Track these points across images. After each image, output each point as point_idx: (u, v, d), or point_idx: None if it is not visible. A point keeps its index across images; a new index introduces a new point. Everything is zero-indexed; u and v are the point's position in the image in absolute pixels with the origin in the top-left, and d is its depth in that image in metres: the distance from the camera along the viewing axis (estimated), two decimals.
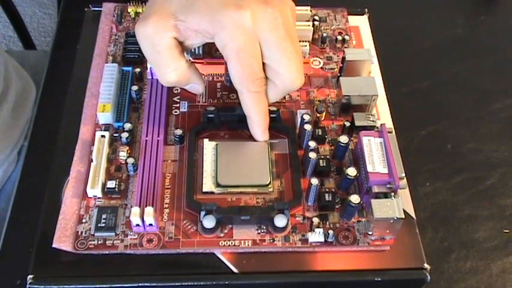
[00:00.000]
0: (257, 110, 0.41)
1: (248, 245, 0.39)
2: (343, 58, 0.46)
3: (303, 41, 0.49)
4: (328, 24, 0.53)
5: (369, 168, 0.39)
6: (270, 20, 0.38)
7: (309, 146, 0.41)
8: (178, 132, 0.43)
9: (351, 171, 0.40)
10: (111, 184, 0.40)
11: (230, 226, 0.39)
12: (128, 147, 0.42)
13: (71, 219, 0.39)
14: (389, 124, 0.45)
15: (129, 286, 0.37)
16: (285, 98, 0.46)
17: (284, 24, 0.38)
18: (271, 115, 0.44)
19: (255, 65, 0.38)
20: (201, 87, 0.42)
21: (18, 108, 0.59)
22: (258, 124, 0.42)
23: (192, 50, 0.47)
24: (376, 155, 0.40)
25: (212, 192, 0.40)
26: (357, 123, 0.43)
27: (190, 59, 0.48)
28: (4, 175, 0.59)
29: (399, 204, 0.38)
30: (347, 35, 0.51)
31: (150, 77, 0.47)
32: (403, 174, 0.39)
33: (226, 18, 0.37)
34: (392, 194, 0.39)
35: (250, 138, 0.43)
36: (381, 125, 0.41)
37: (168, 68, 0.39)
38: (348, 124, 0.44)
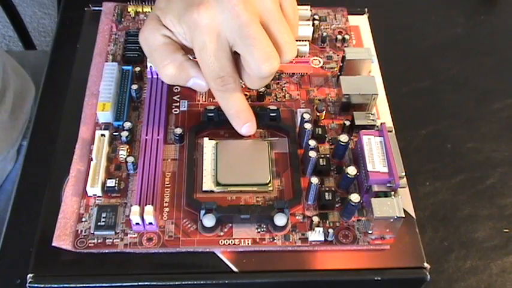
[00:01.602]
0: (226, 107, 0.41)
1: (248, 243, 0.38)
2: (343, 57, 0.46)
3: (303, 40, 0.49)
4: (328, 24, 0.53)
5: (369, 167, 0.39)
6: (229, 9, 0.37)
7: (309, 145, 0.41)
8: (178, 131, 0.43)
9: (351, 170, 0.40)
10: (111, 183, 0.40)
11: (230, 225, 0.39)
12: (127, 146, 0.42)
13: (70, 218, 0.39)
14: (389, 124, 0.44)
15: (129, 285, 0.37)
16: (284, 97, 0.47)
17: (247, 10, 0.37)
18: (271, 114, 0.44)
19: (214, 64, 0.38)
20: (204, 82, 0.41)
21: (16, 108, 0.59)
22: (232, 120, 0.41)
23: None
24: (376, 154, 0.40)
25: (212, 191, 0.40)
26: (357, 122, 0.43)
27: None
28: (2, 173, 0.59)
29: (399, 203, 0.38)
30: (347, 34, 0.51)
31: (150, 76, 0.47)
32: (403, 173, 0.39)
33: (188, 19, 0.37)
34: (393, 193, 0.39)
35: (250, 137, 0.43)
36: (381, 124, 0.41)
37: (164, 61, 0.40)
38: (348, 123, 0.44)
